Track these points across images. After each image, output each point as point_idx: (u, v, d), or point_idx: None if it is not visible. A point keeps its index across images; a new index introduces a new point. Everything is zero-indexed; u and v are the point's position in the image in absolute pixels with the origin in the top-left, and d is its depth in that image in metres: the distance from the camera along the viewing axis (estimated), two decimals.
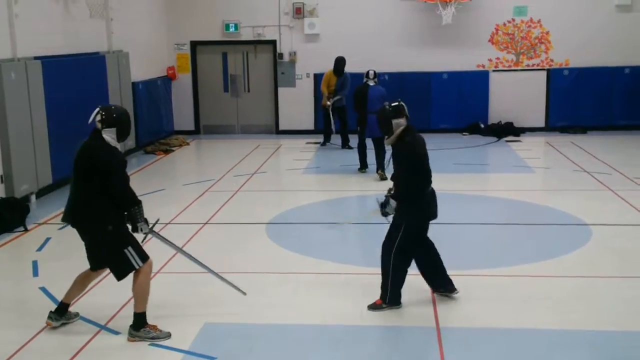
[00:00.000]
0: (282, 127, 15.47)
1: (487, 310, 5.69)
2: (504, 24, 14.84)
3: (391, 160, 5.73)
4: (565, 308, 5.71)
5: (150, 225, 5.20)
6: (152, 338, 5.15)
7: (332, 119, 13.06)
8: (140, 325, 5.18)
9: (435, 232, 8.22)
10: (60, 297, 5.64)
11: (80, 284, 5.43)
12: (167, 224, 8.42)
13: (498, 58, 14.94)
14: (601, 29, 14.49)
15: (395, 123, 5.45)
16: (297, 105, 15.29)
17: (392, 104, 5.54)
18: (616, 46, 14.49)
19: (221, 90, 15.67)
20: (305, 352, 5.08)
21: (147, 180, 11.10)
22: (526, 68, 14.91)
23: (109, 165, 4.98)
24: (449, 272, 6.57)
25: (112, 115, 5.10)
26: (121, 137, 5.13)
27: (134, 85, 13.22)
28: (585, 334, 5.25)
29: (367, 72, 11.05)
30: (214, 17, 15.19)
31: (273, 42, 15.26)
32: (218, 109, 15.70)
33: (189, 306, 5.88)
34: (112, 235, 5.05)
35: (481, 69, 14.95)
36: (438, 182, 10.27)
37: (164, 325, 5.41)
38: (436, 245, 7.76)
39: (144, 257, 5.16)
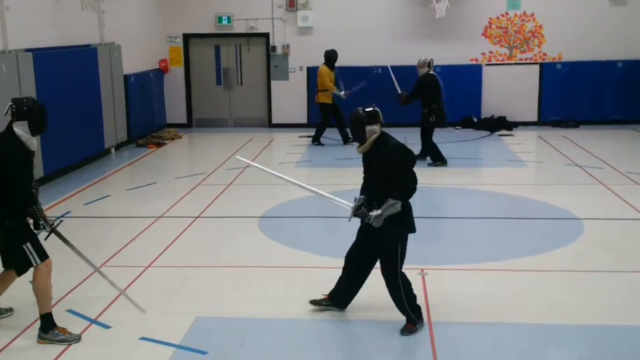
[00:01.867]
0: (274, 120, 15.44)
1: (479, 305, 5.69)
2: (498, 18, 14.84)
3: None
4: (557, 302, 5.72)
5: (52, 224, 5.12)
6: (61, 341, 5.03)
7: (341, 114, 12.84)
8: (47, 328, 5.07)
9: (428, 226, 8.27)
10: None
11: (1, 282, 5.28)
12: (159, 217, 8.41)
13: (491, 52, 14.93)
14: (594, 23, 14.50)
15: (369, 130, 5.07)
16: (290, 98, 15.25)
17: (367, 109, 5.12)
18: (609, 40, 14.51)
19: (214, 83, 15.61)
20: (296, 347, 5.08)
21: (139, 174, 11.07)
22: (519, 62, 14.91)
23: (5, 162, 4.90)
24: (440, 266, 6.60)
25: (22, 108, 4.99)
26: (35, 130, 5.02)
27: (126, 78, 13.15)
28: (577, 328, 5.27)
29: (429, 62, 11.07)
30: (206, 10, 15.12)
31: (266, 35, 15.21)
32: (210, 102, 15.65)
33: (180, 300, 5.86)
34: (10, 231, 4.98)
35: (474, 62, 14.94)
36: (431, 176, 10.41)
37: (156, 318, 5.40)
38: (427, 239, 7.82)
39: (43, 255, 5.07)
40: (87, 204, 9.15)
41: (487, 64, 14.94)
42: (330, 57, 12.86)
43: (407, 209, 5.11)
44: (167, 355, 4.90)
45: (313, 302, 5.61)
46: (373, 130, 5.08)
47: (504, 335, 5.18)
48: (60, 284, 6.14)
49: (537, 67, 14.85)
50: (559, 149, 12.26)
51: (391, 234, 5.06)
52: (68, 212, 8.67)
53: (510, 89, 14.82)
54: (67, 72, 10.68)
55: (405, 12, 14.81)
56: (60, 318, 5.39)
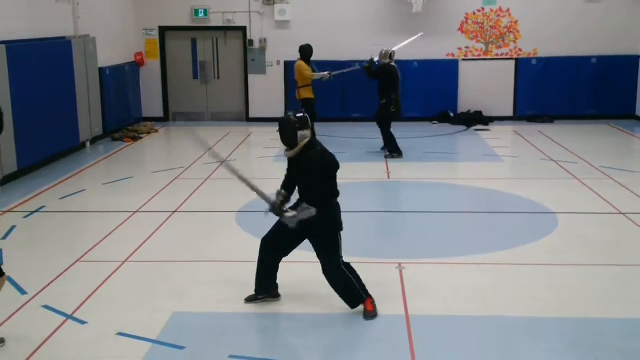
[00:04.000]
0: (252, 114, 15.39)
1: (456, 298, 5.75)
2: (474, 13, 14.92)
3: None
4: (532, 295, 5.79)
5: None
6: None
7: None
8: None
9: (404, 220, 8.32)
10: (25, 286, 5.56)
11: None
12: (135, 212, 8.35)
13: (467, 47, 15.02)
14: (569, 19, 14.65)
15: (301, 135, 5.24)
16: (268, 92, 15.20)
17: (297, 114, 5.28)
18: (583, 36, 14.68)
19: (190, 77, 15.49)
20: (274, 341, 5.09)
21: (115, 168, 10.96)
22: (495, 57, 15.02)
23: None
24: (417, 260, 6.64)
25: None
26: None
27: (101, 70, 13.00)
28: (553, 320, 5.33)
29: (390, 53, 11.24)
30: (182, 2, 14.99)
31: (243, 29, 15.13)
32: (187, 95, 15.54)
33: (157, 295, 5.83)
34: None
35: (451, 57, 15.02)
36: (408, 171, 10.47)
37: (132, 314, 5.37)
38: (404, 233, 7.87)
39: None
40: (62, 198, 9.05)
41: (463, 59, 15.03)
42: (307, 51, 12.78)
43: (335, 211, 5.45)
44: (144, 350, 4.87)
45: (247, 299, 5.66)
46: (304, 135, 5.26)
47: (481, 328, 5.24)
48: (35, 280, 6.09)
49: (512, 62, 14.98)
50: (534, 144, 12.39)
51: (323, 233, 5.38)
52: (42, 206, 8.57)
53: (486, 84, 14.93)
54: (41, 65, 10.53)
55: (382, 7, 14.83)
56: (36, 314, 5.34)
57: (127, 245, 7.09)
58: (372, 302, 5.44)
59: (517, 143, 12.97)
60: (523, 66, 14.92)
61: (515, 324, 5.28)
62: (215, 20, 15.07)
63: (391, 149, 11.34)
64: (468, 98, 14.96)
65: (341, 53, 14.81)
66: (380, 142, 11.78)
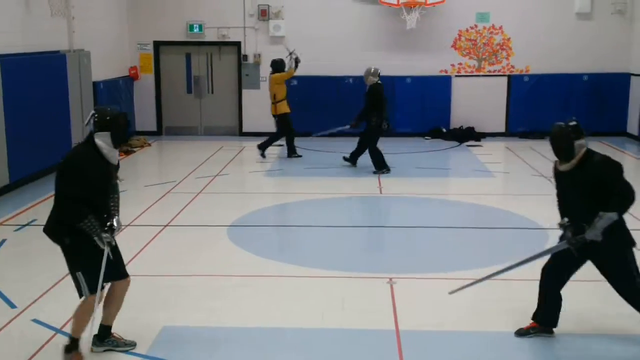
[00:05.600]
0: (245, 129, 15.42)
1: (447, 314, 5.75)
2: (467, 30, 15.05)
3: None
4: (524, 311, 5.78)
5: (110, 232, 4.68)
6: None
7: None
8: (70, 348, 4.85)
9: (396, 235, 8.35)
10: (15, 299, 5.52)
11: (107, 300, 4.99)
12: (127, 225, 8.33)
13: (460, 63, 15.13)
14: (561, 37, 14.79)
15: (578, 144, 4.89)
16: (261, 107, 15.18)
17: (570, 123, 4.97)
18: (575, 54, 14.81)
19: (184, 91, 15.55)
20: (265, 356, 5.08)
21: None
22: (488, 74, 15.13)
23: (60, 168, 4.65)
24: (408, 275, 6.64)
25: (105, 118, 4.65)
26: (116, 141, 4.68)
27: (95, 84, 13.03)
28: (543, 336, 5.31)
29: (378, 71, 11.28)
30: (177, 18, 15.08)
31: (237, 44, 15.22)
32: (181, 110, 15.58)
33: (148, 310, 5.81)
34: (68, 250, 4.71)
35: (444, 74, 15.12)
36: (400, 186, 10.50)
37: (122, 328, 5.35)
38: (396, 248, 7.88)
39: (93, 288, 4.71)
40: None
41: (456, 76, 15.14)
42: (280, 65, 12.78)
43: (622, 221, 4.86)
44: None
45: (518, 333, 5.31)
46: (581, 145, 4.82)
47: (472, 344, 5.24)
48: (25, 294, 6.07)
49: (505, 79, 15.09)
50: (526, 160, 12.45)
51: (614, 250, 4.85)
52: (34, 220, 8.56)
53: (479, 101, 15.03)
54: (35, 79, 10.56)
55: (376, 23, 14.95)
56: (26, 328, 5.32)
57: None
58: None
59: (509, 159, 13.04)
60: (516, 83, 15.04)
61: (507, 340, 5.27)
62: (210, 36, 15.15)
63: (380, 165, 11.32)
64: (461, 114, 15.05)
65: (336, 69, 14.92)
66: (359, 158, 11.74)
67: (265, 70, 15.14)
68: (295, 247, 7.84)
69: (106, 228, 4.66)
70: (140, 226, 8.35)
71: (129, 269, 6.76)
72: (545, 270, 5.25)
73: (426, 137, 14.88)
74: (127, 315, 5.66)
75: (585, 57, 14.79)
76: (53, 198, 4.74)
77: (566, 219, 4.94)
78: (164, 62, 15.44)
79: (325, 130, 12.48)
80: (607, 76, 14.76)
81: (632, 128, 14.57)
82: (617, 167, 4.82)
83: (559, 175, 5.05)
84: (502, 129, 15.15)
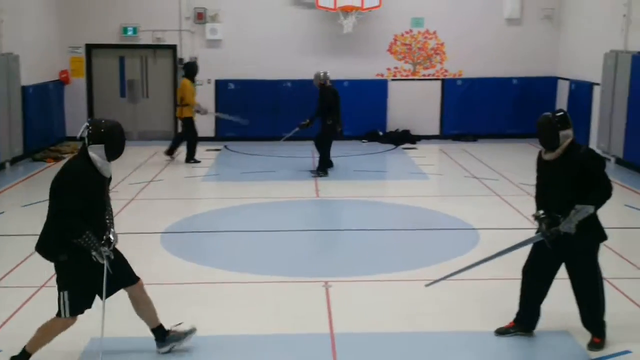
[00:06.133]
0: None
1: (382, 316, 5.81)
2: (402, 35, 15.27)
3: None
4: (458, 311, 5.91)
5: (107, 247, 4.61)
6: None
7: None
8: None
9: (331, 238, 8.39)
10: None
11: (136, 308, 5.00)
12: None
13: (396, 67, 15.35)
14: (492, 42, 15.17)
15: (563, 135, 4.89)
16: None
17: (557, 114, 4.95)
18: (505, 58, 15.22)
19: (118, 96, 15.24)
20: None
21: (36, 189, 10.60)
22: (422, 78, 15.39)
23: (55, 184, 4.55)
24: (343, 278, 6.68)
25: (99, 130, 4.56)
26: (111, 155, 4.60)
27: (24, 89, 12.64)
28: (478, 335, 5.43)
29: (327, 75, 11.44)
30: (111, 20, 14.77)
31: (173, 47, 15.01)
32: (115, 114, 15.05)
33: (76, 320, 5.65)
34: (61, 267, 4.65)
35: (380, 77, 15.30)
36: (337, 189, 10.57)
37: (51, 344, 5.19)
38: (331, 252, 7.92)
39: (75, 310, 4.70)
40: None
41: (392, 79, 15.34)
42: (192, 69, 12.70)
43: (596, 216, 4.93)
44: None
45: (498, 332, 5.40)
46: (566, 135, 4.88)
47: (407, 345, 5.30)
48: None
49: (439, 83, 15.39)
50: (459, 162, 12.73)
51: (586, 245, 4.95)
52: None
53: (414, 104, 15.26)
54: None
55: (313, 27, 15.01)
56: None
57: (46, 269, 6.80)
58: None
59: (443, 161, 13.30)
60: (449, 87, 15.35)
61: (442, 340, 5.37)
62: (144, 39, 14.90)
63: (322, 168, 11.38)
64: (397, 117, 15.25)
65: (273, 72, 14.90)
66: (310, 161, 11.85)
67: (202, 74, 14.97)
68: (230, 253, 7.77)
69: (103, 242, 4.59)
70: None
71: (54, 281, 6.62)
72: (525, 271, 5.36)
73: (363, 140, 15.02)
74: None
75: (515, 62, 15.22)
76: (46, 215, 4.63)
77: (541, 212, 5.02)
78: (96, 65, 15.09)
79: (290, 131, 12.29)
80: (536, 80, 15.23)
81: None
82: (601, 161, 4.96)
83: (542, 165, 5.12)
84: (437, 132, 15.43)
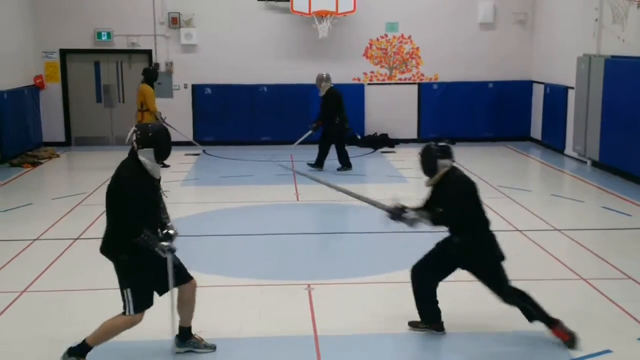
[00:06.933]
0: None
1: (364, 317, 5.84)
2: (377, 39, 15.37)
3: None
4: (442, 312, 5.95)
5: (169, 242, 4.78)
6: None
7: None
8: (74, 353, 4.88)
9: (312, 242, 8.40)
10: None
11: (180, 304, 5.07)
12: (34, 240, 8.01)
13: (372, 72, 15.43)
14: (466, 46, 15.34)
15: (441, 164, 5.40)
16: (175, 116, 14.92)
17: (440, 144, 5.48)
18: (480, 62, 15.40)
19: (93, 101, 15.11)
20: None
21: (13, 195, 10.48)
22: (399, 82, 15.50)
23: (113, 186, 4.72)
24: (325, 281, 6.70)
25: (147, 134, 4.73)
26: (159, 157, 4.78)
27: None
28: (458, 335, 5.49)
29: (329, 76, 11.87)
30: (85, 25, 14.64)
31: (148, 52, 14.94)
32: (90, 119, 15.12)
33: (56, 326, 5.61)
34: (121, 267, 4.80)
35: (357, 82, 15.38)
36: (317, 193, 10.58)
37: (28, 346, 5.14)
38: (313, 255, 7.94)
39: (139, 308, 4.83)
40: None
41: (368, 84, 15.43)
42: (152, 74, 12.62)
43: (491, 240, 5.32)
44: None
45: (411, 324, 5.61)
46: (444, 165, 5.28)
47: (389, 346, 5.34)
48: None
49: (415, 87, 15.50)
50: None
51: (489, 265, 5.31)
52: None
53: (392, 108, 15.36)
54: None
55: (288, 32, 15.03)
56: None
57: (26, 275, 6.79)
58: (560, 329, 5.25)
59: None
60: (425, 91, 15.48)
61: (422, 340, 5.42)
62: (119, 44, 14.81)
63: (345, 163, 12.04)
64: (374, 121, 15.33)
65: (249, 77, 14.91)
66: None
67: (178, 79, 14.99)
68: (212, 256, 7.74)
69: (162, 236, 4.80)
70: (49, 240, 8.05)
71: (38, 284, 6.56)
72: (415, 271, 5.62)
73: None
74: (35, 332, 5.45)
75: (490, 66, 15.40)
76: (106, 218, 4.75)
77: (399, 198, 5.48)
78: (71, 70, 14.95)
79: (302, 136, 12.68)
80: (511, 84, 15.42)
81: (535, 133, 15.28)
82: (460, 191, 5.25)
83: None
84: (415, 136, 15.54)
